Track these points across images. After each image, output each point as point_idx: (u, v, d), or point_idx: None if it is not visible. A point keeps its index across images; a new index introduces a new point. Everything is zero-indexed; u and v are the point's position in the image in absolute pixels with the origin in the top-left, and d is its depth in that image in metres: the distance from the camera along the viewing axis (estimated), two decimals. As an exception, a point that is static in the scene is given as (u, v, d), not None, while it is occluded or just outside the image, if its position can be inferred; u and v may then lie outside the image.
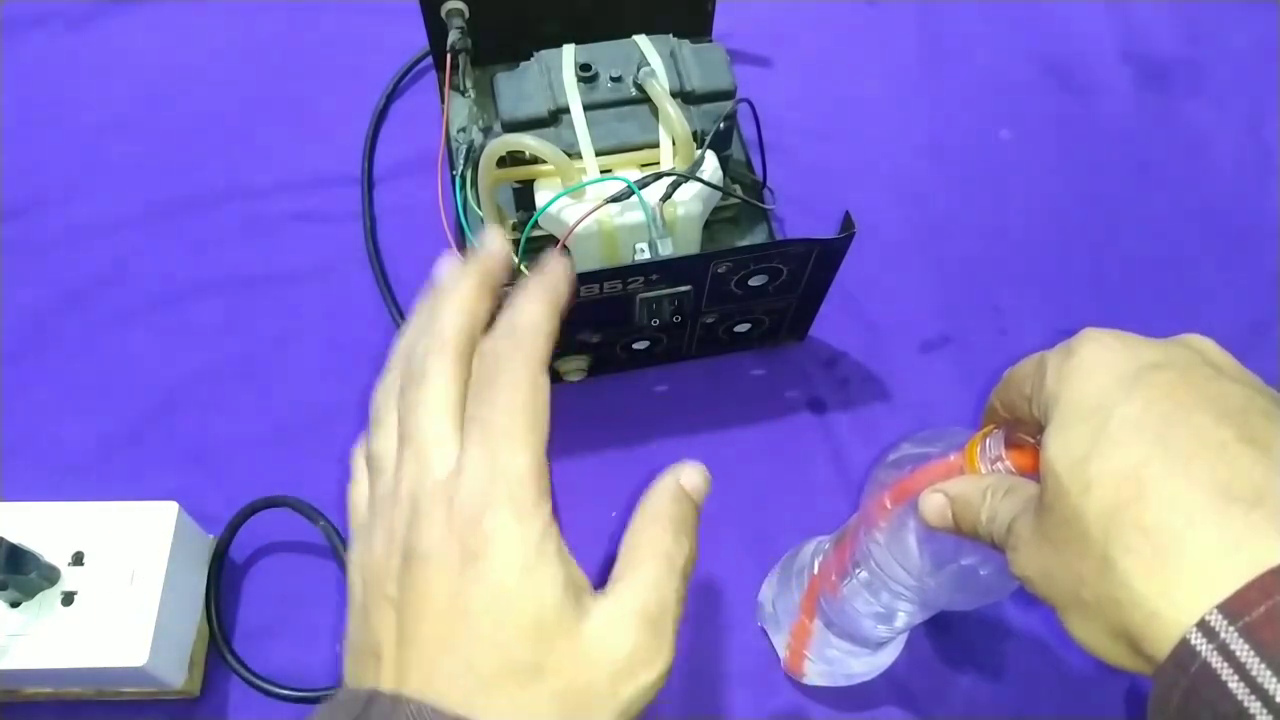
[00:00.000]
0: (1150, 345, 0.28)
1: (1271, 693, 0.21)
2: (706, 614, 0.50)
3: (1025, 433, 0.31)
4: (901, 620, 0.41)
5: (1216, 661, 0.22)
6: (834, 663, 0.46)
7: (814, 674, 0.47)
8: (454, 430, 0.27)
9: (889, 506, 0.35)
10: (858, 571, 0.40)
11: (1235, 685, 0.22)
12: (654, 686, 0.26)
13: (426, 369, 0.28)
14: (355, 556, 0.28)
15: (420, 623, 0.25)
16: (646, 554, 0.27)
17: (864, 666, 0.47)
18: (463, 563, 0.25)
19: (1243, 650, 0.22)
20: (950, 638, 0.49)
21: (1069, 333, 0.30)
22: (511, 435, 0.26)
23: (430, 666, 0.25)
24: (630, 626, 0.26)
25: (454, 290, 0.29)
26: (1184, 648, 0.23)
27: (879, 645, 0.45)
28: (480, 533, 0.25)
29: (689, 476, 0.29)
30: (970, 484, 0.31)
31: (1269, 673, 0.21)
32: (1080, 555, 0.25)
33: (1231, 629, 0.22)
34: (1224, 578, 0.23)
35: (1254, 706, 0.21)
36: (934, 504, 0.32)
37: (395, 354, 0.30)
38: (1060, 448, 0.27)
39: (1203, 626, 0.22)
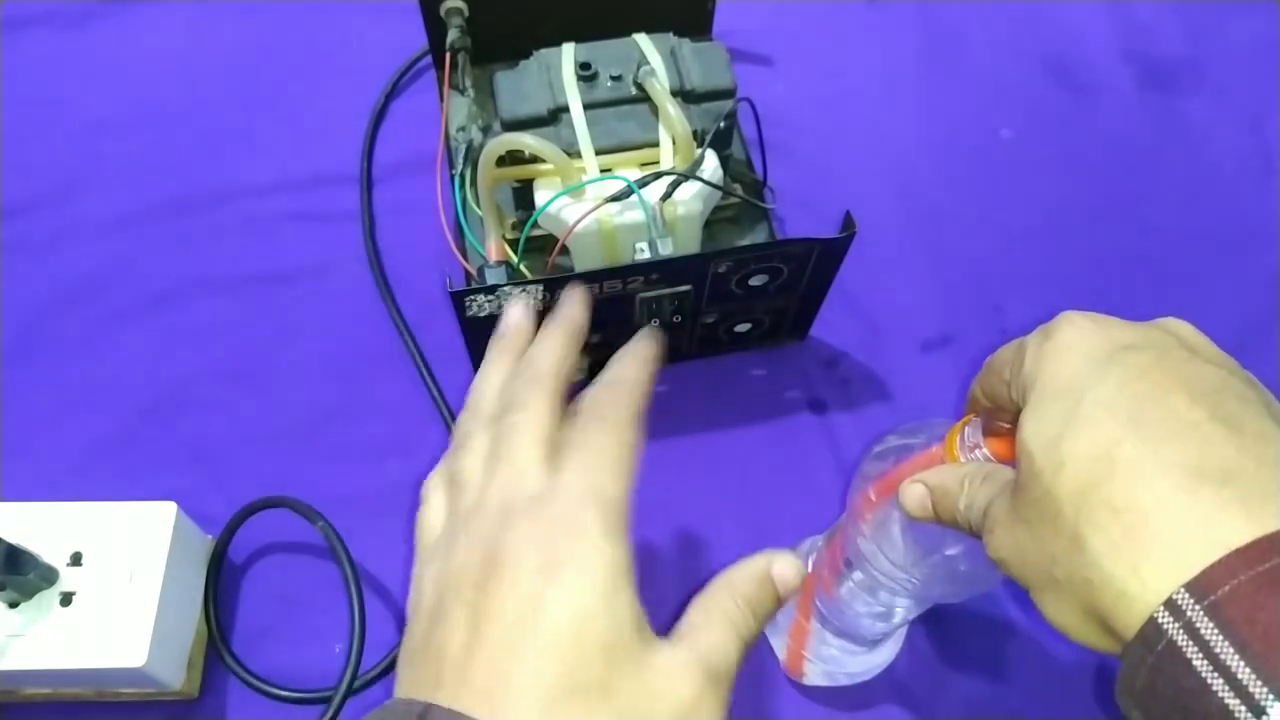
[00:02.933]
0: (1127, 327, 0.28)
1: (1234, 670, 0.21)
2: (706, 614, 0.50)
3: (1005, 420, 0.31)
4: (897, 616, 0.41)
5: (1182, 640, 0.22)
6: (832, 662, 0.46)
7: (814, 674, 0.47)
8: (548, 456, 0.29)
9: (874, 500, 0.35)
10: (851, 571, 0.40)
11: (1199, 663, 0.22)
12: None
13: (527, 399, 0.30)
14: (430, 570, 0.28)
15: (492, 624, 0.25)
16: (716, 618, 0.28)
17: (862, 665, 0.47)
18: (548, 572, 0.25)
19: (1208, 629, 0.22)
20: (949, 637, 0.49)
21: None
22: (611, 462, 0.28)
23: (495, 675, 0.24)
24: (696, 673, 0.26)
25: (549, 337, 0.33)
26: (1151, 626, 0.23)
27: (875, 643, 0.45)
28: (571, 546, 0.26)
29: (782, 567, 0.30)
30: (949, 473, 0.31)
31: (1232, 650, 0.21)
32: (1053, 534, 0.25)
33: (1198, 607, 0.22)
34: (1192, 557, 0.23)
35: (1216, 683, 0.22)
36: (914, 494, 0.32)
37: (479, 387, 0.33)
38: (1035, 428, 0.27)
39: (1170, 605, 0.23)
